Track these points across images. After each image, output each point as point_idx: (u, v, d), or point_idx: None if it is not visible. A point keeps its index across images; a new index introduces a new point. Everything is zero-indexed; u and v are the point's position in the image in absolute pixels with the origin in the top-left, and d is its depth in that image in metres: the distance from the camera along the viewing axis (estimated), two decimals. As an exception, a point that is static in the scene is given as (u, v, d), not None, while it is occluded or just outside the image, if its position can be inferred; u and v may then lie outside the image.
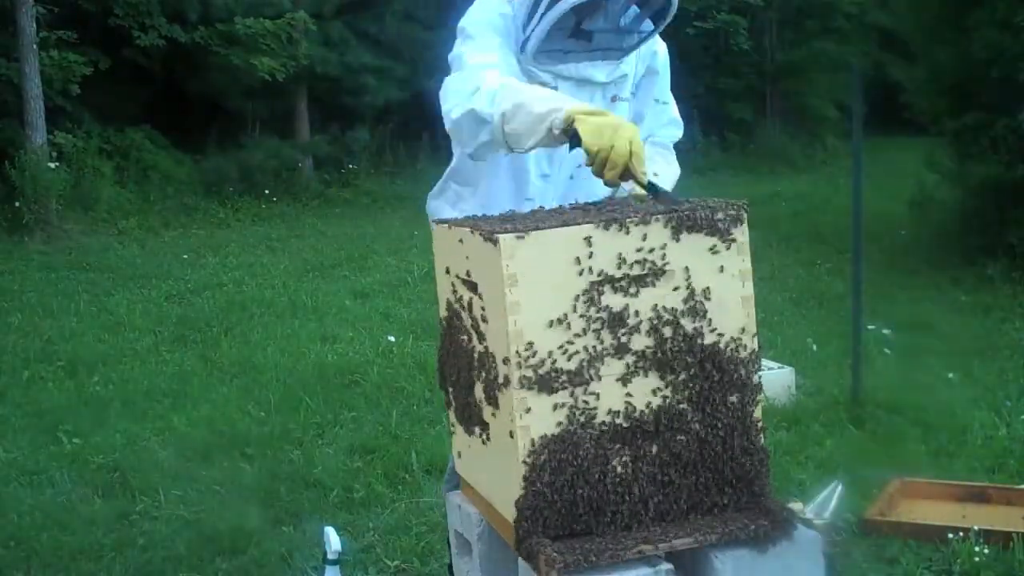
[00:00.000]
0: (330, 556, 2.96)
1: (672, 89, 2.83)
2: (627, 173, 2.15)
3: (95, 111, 14.09)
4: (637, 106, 2.73)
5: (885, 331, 6.20)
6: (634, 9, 2.54)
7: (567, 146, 2.24)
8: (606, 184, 2.20)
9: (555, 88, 2.52)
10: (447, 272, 2.33)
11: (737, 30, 19.57)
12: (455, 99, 2.40)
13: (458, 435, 2.46)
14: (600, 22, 2.51)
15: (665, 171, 2.67)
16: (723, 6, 19.39)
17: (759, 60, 20.62)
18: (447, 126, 2.45)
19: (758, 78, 20.66)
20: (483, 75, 2.38)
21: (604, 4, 2.48)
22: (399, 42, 16.61)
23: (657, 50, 2.72)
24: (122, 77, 14.62)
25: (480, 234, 2.08)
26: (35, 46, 12.34)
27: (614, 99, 2.63)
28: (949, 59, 8.92)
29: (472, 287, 2.17)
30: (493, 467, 2.21)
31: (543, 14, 2.45)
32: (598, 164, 2.14)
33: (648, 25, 2.57)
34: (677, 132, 2.84)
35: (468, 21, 2.57)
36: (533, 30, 2.48)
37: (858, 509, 3.69)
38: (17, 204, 11.92)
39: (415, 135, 16.88)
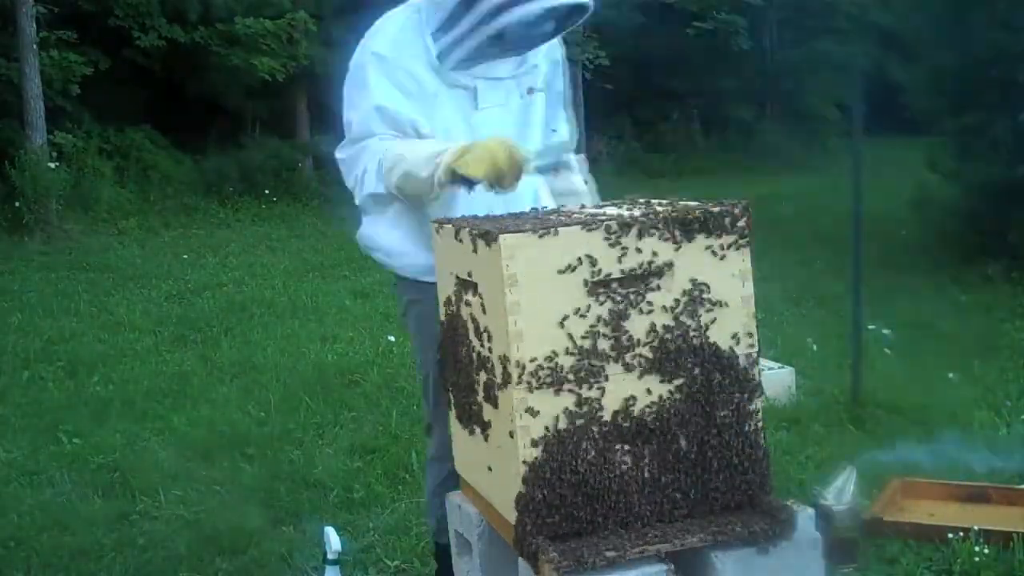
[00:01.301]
0: (330, 556, 2.96)
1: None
2: (521, 174, 2.39)
3: (95, 111, 14.09)
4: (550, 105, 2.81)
5: (885, 331, 6.20)
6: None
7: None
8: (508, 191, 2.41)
9: (474, 88, 2.63)
10: (447, 272, 2.33)
11: (737, 30, 19.58)
12: (352, 182, 2.69)
13: (458, 435, 2.46)
14: (513, 25, 2.54)
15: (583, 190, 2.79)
16: (723, 6, 19.40)
17: (759, 60, 20.63)
18: (356, 202, 2.72)
19: (758, 78, 20.67)
20: (364, 153, 2.60)
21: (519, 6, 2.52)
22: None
23: (556, 44, 2.80)
24: (122, 77, 14.63)
25: (480, 234, 2.08)
26: (35, 46, 12.35)
27: (530, 91, 2.73)
28: (949, 59, 8.92)
29: (472, 287, 2.17)
30: (493, 467, 2.21)
31: (472, 29, 2.51)
32: (499, 186, 2.38)
33: (549, 27, 2.65)
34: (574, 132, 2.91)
35: (353, 66, 2.69)
36: (458, 43, 2.55)
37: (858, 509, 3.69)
38: (17, 204, 11.92)
39: (415, 135, 16.87)
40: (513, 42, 2.62)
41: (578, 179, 2.82)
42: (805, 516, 2.12)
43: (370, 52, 2.65)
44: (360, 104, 2.63)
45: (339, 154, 2.74)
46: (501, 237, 1.98)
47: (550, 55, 2.81)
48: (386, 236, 2.75)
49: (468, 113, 2.64)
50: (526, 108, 2.73)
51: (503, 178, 2.36)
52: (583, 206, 2.36)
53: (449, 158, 2.37)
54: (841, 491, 3.30)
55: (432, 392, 2.78)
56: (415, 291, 2.73)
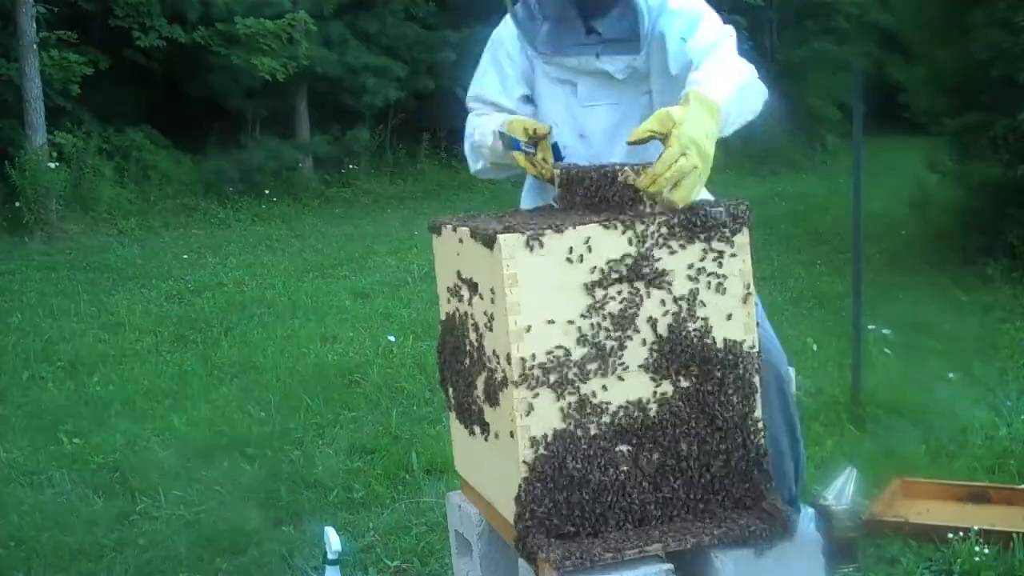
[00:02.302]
0: (330, 556, 2.96)
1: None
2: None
3: (95, 111, 14.09)
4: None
5: (885, 331, 6.19)
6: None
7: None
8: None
9: (575, 84, 2.59)
10: (448, 272, 2.33)
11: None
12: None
13: (458, 435, 2.46)
14: (600, 22, 2.52)
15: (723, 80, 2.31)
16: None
17: (759, 60, 20.62)
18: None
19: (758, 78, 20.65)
20: (465, 131, 2.81)
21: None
22: (399, 42, 16.61)
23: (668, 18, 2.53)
24: (122, 77, 14.62)
25: (481, 235, 2.08)
26: (35, 46, 12.35)
27: (646, 92, 2.58)
28: (949, 59, 8.91)
29: (473, 287, 2.17)
30: (493, 467, 2.21)
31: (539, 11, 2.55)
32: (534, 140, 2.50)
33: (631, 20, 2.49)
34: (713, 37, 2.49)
35: (485, 50, 2.78)
36: (537, 29, 2.58)
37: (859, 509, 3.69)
38: (17, 204, 11.93)
39: (415, 135, 16.88)
40: (612, 37, 2.51)
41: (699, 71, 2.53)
42: (805, 516, 2.12)
43: (493, 33, 2.75)
44: (478, 75, 2.80)
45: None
46: (501, 237, 1.99)
47: (663, 31, 2.52)
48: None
49: (572, 107, 2.63)
50: (637, 110, 2.56)
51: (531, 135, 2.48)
52: (583, 206, 2.36)
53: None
54: (841, 491, 3.31)
55: None
56: None
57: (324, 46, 15.82)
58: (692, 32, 2.45)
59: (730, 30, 2.53)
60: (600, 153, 2.58)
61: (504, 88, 2.71)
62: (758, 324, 2.18)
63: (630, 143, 2.16)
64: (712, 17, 2.52)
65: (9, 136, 12.72)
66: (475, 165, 2.82)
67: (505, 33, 2.71)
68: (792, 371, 2.77)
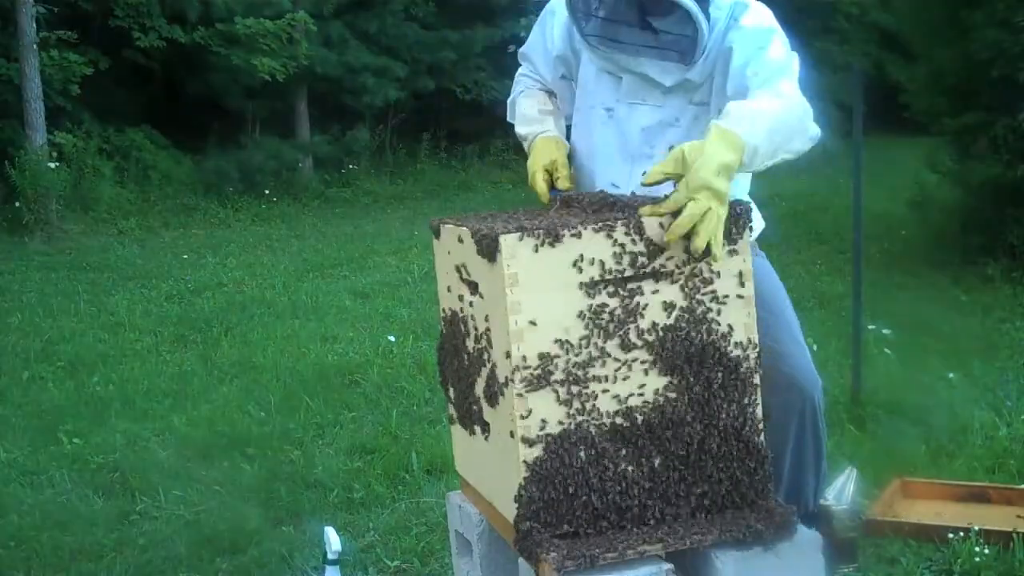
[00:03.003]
0: (330, 556, 2.96)
1: None
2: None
3: (95, 111, 14.09)
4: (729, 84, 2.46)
5: (885, 331, 6.18)
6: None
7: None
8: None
9: (620, 78, 2.54)
10: (448, 271, 2.33)
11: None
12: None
13: (458, 435, 2.46)
14: (658, 21, 2.41)
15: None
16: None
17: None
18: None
19: (758, 78, 20.65)
20: (515, 82, 2.85)
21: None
22: (399, 42, 16.61)
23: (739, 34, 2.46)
24: (122, 77, 14.63)
25: (481, 235, 2.08)
26: (35, 46, 12.35)
27: (700, 103, 2.51)
28: (949, 59, 8.91)
29: (473, 287, 2.17)
30: (493, 467, 2.21)
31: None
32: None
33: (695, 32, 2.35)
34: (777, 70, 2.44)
35: (541, 15, 2.77)
36: (594, 14, 2.49)
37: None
38: (17, 204, 11.93)
39: (415, 135, 16.88)
40: (666, 44, 2.42)
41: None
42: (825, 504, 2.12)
43: (551, 3, 2.72)
44: (529, 37, 2.82)
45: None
46: (502, 237, 1.99)
47: (731, 46, 2.44)
48: None
49: (612, 98, 2.58)
50: (682, 117, 2.52)
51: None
52: (586, 206, 2.36)
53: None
54: (841, 491, 3.31)
55: None
56: None
57: (324, 46, 15.83)
58: (757, 57, 2.39)
59: (794, 61, 2.48)
60: (632, 151, 2.55)
61: (546, 61, 2.75)
62: (778, 346, 2.17)
63: (644, 185, 2.12)
64: (780, 41, 2.46)
65: (9, 136, 12.72)
66: (512, 119, 2.84)
67: (557, 8, 2.66)
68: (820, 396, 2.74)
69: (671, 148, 2.13)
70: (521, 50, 2.85)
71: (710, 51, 2.41)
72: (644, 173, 2.14)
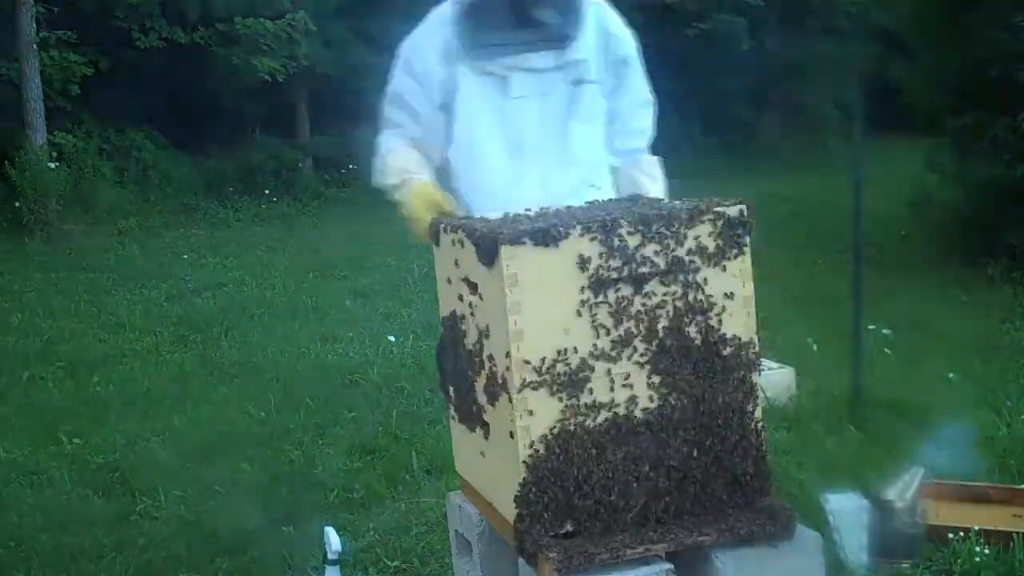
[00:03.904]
0: (330, 556, 2.96)
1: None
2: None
3: (95, 111, 14.08)
4: (613, 102, 2.79)
5: (885, 331, 6.19)
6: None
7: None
8: None
9: (504, 77, 2.66)
10: (448, 272, 2.33)
11: (737, 30, 19.56)
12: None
13: (458, 435, 2.46)
14: (542, 8, 2.62)
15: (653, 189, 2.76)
16: (723, 6, 19.38)
17: (759, 60, 20.60)
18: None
19: (758, 78, 20.65)
20: (378, 145, 2.87)
21: None
22: (399, 42, 16.59)
23: (623, 40, 2.79)
24: (122, 77, 14.61)
25: (481, 235, 2.08)
26: (35, 46, 12.34)
27: (578, 82, 2.69)
28: (949, 59, 8.92)
29: (472, 287, 2.17)
30: (493, 467, 2.21)
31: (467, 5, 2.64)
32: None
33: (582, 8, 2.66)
34: (649, 130, 2.93)
35: (396, 60, 2.83)
36: (466, 26, 2.65)
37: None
38: (17, 204, 11.91)
39: (415, 135, 16.86)
40: (546, 33, 2.63)
41: (644, 179, 2.82)
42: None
43: (399, 49, 2.83)
44: (386, 92, 2.86)
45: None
46: (502, 238, 1.99)
47: (611, 52, 2.76)
48: None
49: (498, 101, 2.67)
50: (572, 99, 2.69)
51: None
52: (585, 206, 2.36)
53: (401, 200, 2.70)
54: (905, 489, 3.33)
55: None
56: None
57: (324, 46, 15.82)
58: (641, 115, 2.89)
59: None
60: (529, 145, 2.66)
61: (424, 92, 2.74)
62: None
63: None
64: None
65: (9, 136, 12.71)
66: (382, 180, 2.86)
67: (422, 41, 2.76)
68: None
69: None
70: (389, 93, 2.82)
71: (587, 31, 2.68)
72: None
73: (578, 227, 2.02)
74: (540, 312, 2.01)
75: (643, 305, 2.06)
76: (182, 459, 4.70)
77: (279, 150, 15.59)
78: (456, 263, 2.25)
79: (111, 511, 4.14)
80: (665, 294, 2.07)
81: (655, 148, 3.00)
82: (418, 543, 3.68)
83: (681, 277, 2.08)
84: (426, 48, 2.73)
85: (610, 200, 2.46)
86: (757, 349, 2.14)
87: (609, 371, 2.05)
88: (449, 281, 2.33)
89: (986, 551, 3.29)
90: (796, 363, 5.55)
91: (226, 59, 14.51)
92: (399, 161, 2.76)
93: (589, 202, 2.40)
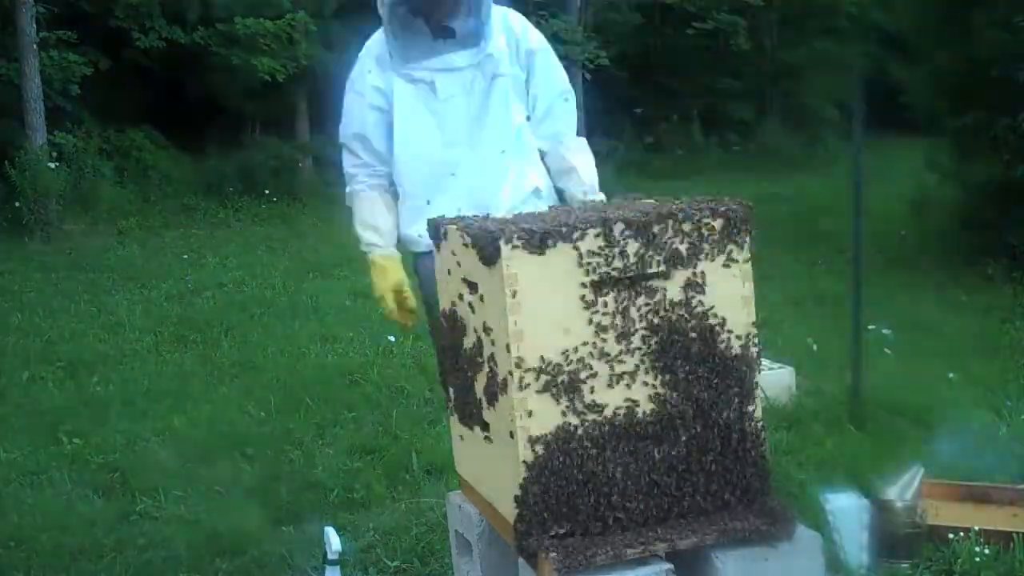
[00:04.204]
0: (330, 556, 2.96)
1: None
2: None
3: (95, 111, 14.08)
4: (531, 92, 3.10)
5: (885, 331, 6.18)
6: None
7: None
8: None
9: (432, 82, 2.97)
10: (448, 272, 2.33)
11: (737, 30, 19.57)
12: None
13: (458, 435, 2.46)
14: (451, 18, 2.96)
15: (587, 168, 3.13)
16: (723, 6, 19.40)
17: (759, 60, 20.62)
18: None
19: (758, 78, 20.67)
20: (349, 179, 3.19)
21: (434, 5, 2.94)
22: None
23: (528, 36, 3.09)
24: (122, 77, 14.62)
25: (481, 236, 2.08)
26: (35, 46, 12.34)
27: (494, 77, 2.99)
28: (949, 59, 8.92)
29: (473, 287, 2.17)
30: (493, 467, 2.21)
31: (387, 24, 2.98)
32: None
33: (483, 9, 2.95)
34: (570, 115, 3.17)
35: (348, 82, 3.16)
36: (390, 40, 3.00)
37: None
38: (17, 204, 11.92)
39: (415, 135, 16.86)
40: (463, 32, 2.95)
41: (569, 154, 3.12)
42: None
43: (348, 84, 3.17)
44: (342, 126, 3.22)
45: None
46: (502, 239, 1.99)
47: (520, 48, 3.07)
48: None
49: (431, 103, 3.00)
50: (488, 94, 3.00)
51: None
52: (586, 206, 2.36)
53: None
54: (906, 488, 3.33)
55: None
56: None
57: (324, 46, 15.82)
58: (562, 107, 3.13)
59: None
60: (461, 138, 2.98)
61: (378, 113, 3.06)
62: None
63: None
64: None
65: (9, 136, 12.71)
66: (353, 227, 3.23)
67: (363, 67, 3.10)
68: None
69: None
70: (347, 135, 3.18)
71: (496, 34, 2.99)
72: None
73: (578, 228, 2.03)
74: (540, 312, 2.01)
75: (643, 305, 2.06)
76: (182, 459, 4.69)
77: (279, 150, 15.59)
78: (456, 263, 2.25)
79: (111, 511, 4.14)
80: (665, 294, 2.07)
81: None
82: (418, 543, 3.67)
83: (681, 277, 2.08)
84: (366, 72, 3.07)
85: (610, 201, 2.46)
86: (757, 349, 2.14)
87: (609, 371, 2.05)
88: (449, 281, 2.33)
89: (986, 551, 3.29)
90: (796, 363, 5.55)
91: (226, 59, 14.51)
92: (368, 214, 3.16)
93: (600, 206, 2.41)
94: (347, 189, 3.22)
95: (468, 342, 2.24)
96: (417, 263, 3.22)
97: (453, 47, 2.97)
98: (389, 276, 3.11)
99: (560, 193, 3.11)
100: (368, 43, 3.12)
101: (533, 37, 3.12)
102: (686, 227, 2.07)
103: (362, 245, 3.21)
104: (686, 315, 2.09)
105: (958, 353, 5.98)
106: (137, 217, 13.13)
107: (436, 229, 2.38)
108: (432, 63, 2.97)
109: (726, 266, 2.10)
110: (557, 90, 3.14)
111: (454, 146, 3.00)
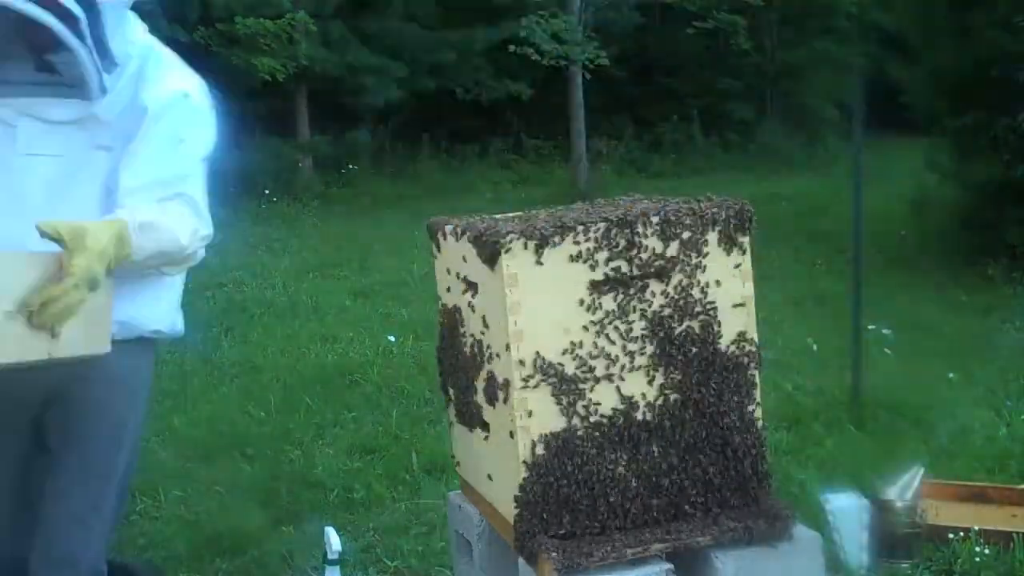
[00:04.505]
0: (330, 556, 2.96)
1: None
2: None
3: (95, 111, 14.07)
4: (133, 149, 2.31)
5: (885, 331, 6.18)
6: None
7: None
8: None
9: (15, 126, 2.24)
10: (448, 272, 2.33)
11: (737, 30, 19.57)
12: None
13: (458, 435, 2.46)
14: (56, 55, 2.19)
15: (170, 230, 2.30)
16: (723, 6, 19.39)
17: (759, 60, 20.61)
18: None
19: (758, 78, 20.67)
20: None
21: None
22: (399, 42, 16.61)
23: (157, 96, 2.33)
24: (122, 77, 14.61)
25: (481, 236, 2.08)
26: (35, 46, 12.34)
27: (98, 148, 2.29)
28: (949, 59, 8.92)
29: (473, 287, 2.17)
30: (493, 467, 2.21)
31: None
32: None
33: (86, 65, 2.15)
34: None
35: None
36: None
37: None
38: (17, 204, 11.91)
39: (415, 135, 16.87)
40: (72, 81, 2.19)
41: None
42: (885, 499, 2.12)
43: None
44: None
45: None
46: (502, 239, 1.99)
47: (147, 106, 2.31)
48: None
49: (9, 158, 2.24)
50: (85, 166, 2.28)
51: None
52: (585, 206, 2.36)
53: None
54: (905, 488, 3.34)
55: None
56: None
57: (324, 46, 15.83)
58: (169, 151, 2.36)
59: (201, 165, 2.53)
60: (38, 214, 2.09)
61: None
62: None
63: (39, 228, 1.99)
64: (196, 135, 2.49)
65: (9, 136, 12.70)
66: None
67: None
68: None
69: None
70: None
71: (122, 91, 2.28)
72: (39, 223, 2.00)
73: (579, 228, 2.03)
74: (540, 312, 2.01)
75: (643, 305, 2.06)
76: (182, 459, 4.69)
77: (279, 150, 15.59)
78: (457, 263, 2.25)
79: (111, 511, 4.13)
80: (665, 294, 2.07)
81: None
82: (418, 543, 3.67)
83: (681, 277, 2.08)
84: None
85: (610, 201, 2.46)
86: (757, 349, 2.14)
87: (609, 371, 2.05)
88: (449, 281, 2.33)
89: (986, 551, 3.29)
90: (796, 363, 5.55)
91: (226, 59, 14.51)
92: None
93: (599, 206, 2.40)
94: None
95: (468, 342, 2.24)
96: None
97: (49, 90, 2.22)
98: None
99: None
100: None
101: (161, 91, 2.33)
102: (686, 227, 2.07)
103: None
104: (686, 315, 2.09)
105: (958, 353, 5.98)
106: (137, 217, 13.12)
107: (435, 229, 2.38)
108: (19, 102, 2.22)
109: (726, 266, 2.10)
110: (150, 178, 2.29)
111: (14, 216, 2.17)
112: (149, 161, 2.31)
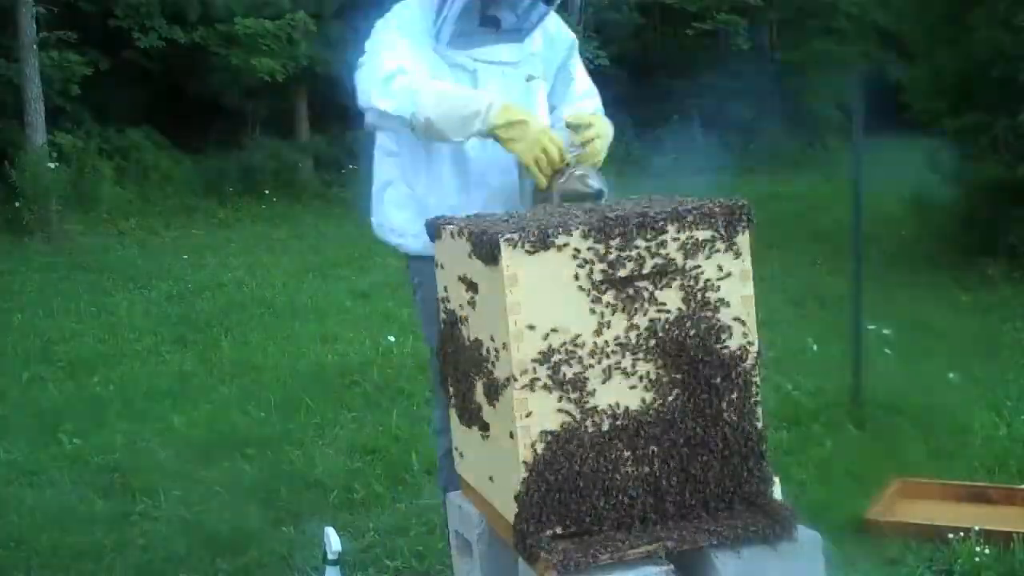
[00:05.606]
0: (330, 556, 2.96)
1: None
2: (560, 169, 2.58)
3: (95, 111, 14.10)
4: (559, 86, 3.01)
5: (885, 331, 6.19)
6: None
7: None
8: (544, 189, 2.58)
9: (474, 71, 2.80)
10: (448, 272, 2.33)
11: (737, 30, 19.58)
12: (377, 97, 2.70)
13: (458, 435, 2.46)
14: (504, 9, 2.79)
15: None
16: (723, 6, 19.40)
17: (759, 60, 20.62)
18: (369, 119, 2.84)
19: (758, 78, 20.68)
20: (398, 75, 2.68)
21: None
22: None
23: (566, 36, 3.01)
24: (122, 77, 14.63)
25: (480, 235, 2.08)
26: (35, 46, 12.35)
27: (529, 79, 2.88)
28: (949, 59, 8.93)
29: (472, 287, 2.17)
30: (493, 467, 2.21)
31: (451, 3, 2.72)
32: (537, 171, 2.56)
33: (542, 8, 2.82)
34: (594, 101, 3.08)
35: (381, 25, 2.89)
36: (444, 19, 2.75)
37: (858, 509, 3.69)
38: (17, 204, 11.93)
39: (415, 135, 16.87)
40: (508, 28, 2.81)
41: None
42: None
43: (392, 25, 2.86)
44: (391, 41, 2.83)
45: (365, 78, 2.82)
46: (502, 238, 1.99)
47: (556, 42, 2.96)
48: (396, 216, 3.11)
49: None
50: (526, 96, 2.84)
51: (543, 171, 2.57)
52: (585, 206, 2.36)
53: (496, 120, 2.55)
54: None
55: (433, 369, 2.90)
56: (420, 270, 2.93)
57: (324, 46, 15.83)
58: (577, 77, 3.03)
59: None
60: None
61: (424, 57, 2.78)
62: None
63: (568, 120, 2.71)
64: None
65: (9, 136, 12.73)
66: (389, 107, 2.68)
67: (407, 15, 2.83)
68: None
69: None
70: (388, 68, 2.72)
71: (545, 33, 2.91)
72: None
73: (579, 227, 2.02)
74: (540, 312, 2.01)
75: (643, 306, 2.06)
76: (182, 459, 4.70)
77: (279, 150, 15.61)
78: (456, 262, 2.25)
79: (111, 511, 4.14)
80: (665, 294, 2.07)
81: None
82: (418, 543, 3.68)
83: (681, 277, 2.08)
84: (417, 21, 2.81)
85: (610, 200, 2.46)
86: (757, 349, 2.14)
87: (609, 371, 2.05)
88: (448, 281, 2.33)
89: (986, 551, 3.29)
90: (796, 363, 5.56)
91: (226, 59, 14.52)
92: (444, 85, 2.72)
93: (599, 206, 2.41)
94: (392, 86, 2.66)
95: (468, 342, 2.24)
96: (418, 286, 3.02)
97: (498, 39, 2.81)
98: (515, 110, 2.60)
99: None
100: (399, 10, 2.85)
101: (570, 39, 3.02)
102: (686, 227, 2.07)
103: (468, 101, 2.61)
104: (687, 315, 2.08)
105: (958, 353, 5.98)
106: (137, 217, 13.14)
107: (434, 228, 2.38)
108: (476, 52, 2.80)
109: (726, 266, 2.10)
110: (582, 89, 3.05)
111: (486, 144, 2.74)
112: (584, 78, 3.06)
